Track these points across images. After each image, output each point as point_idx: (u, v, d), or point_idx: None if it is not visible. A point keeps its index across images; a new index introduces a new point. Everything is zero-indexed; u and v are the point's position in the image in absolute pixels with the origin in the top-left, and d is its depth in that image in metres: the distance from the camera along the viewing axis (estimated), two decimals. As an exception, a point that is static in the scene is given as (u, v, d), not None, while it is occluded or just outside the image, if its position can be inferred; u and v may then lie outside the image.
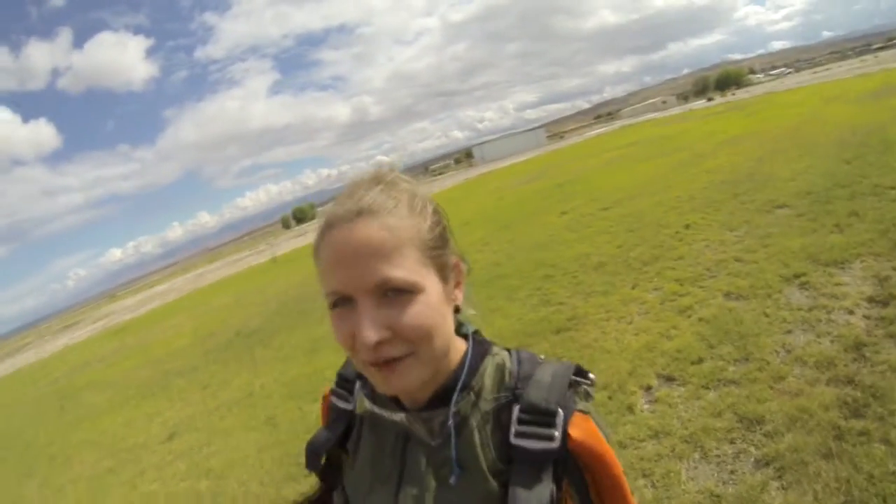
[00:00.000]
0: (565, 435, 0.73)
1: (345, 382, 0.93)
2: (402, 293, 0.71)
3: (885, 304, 3.67)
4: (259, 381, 7.17)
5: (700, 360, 3.66)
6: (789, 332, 3.69)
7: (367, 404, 0.87)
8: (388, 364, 0.71)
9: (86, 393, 11.88)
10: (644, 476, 2.72)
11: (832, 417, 2.65)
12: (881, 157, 7.61)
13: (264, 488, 4.12)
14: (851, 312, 3.70)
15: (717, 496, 2.41)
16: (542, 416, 0.74)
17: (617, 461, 0.76)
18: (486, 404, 0.79)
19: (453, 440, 0.77)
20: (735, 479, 2.49)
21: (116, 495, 5.28)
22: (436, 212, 0.80)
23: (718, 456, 2.68)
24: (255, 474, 4.39)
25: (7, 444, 9.93)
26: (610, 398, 3.59)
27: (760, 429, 2.76)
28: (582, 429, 0.74)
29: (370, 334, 0.68)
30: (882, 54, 72.25)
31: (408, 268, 0.71)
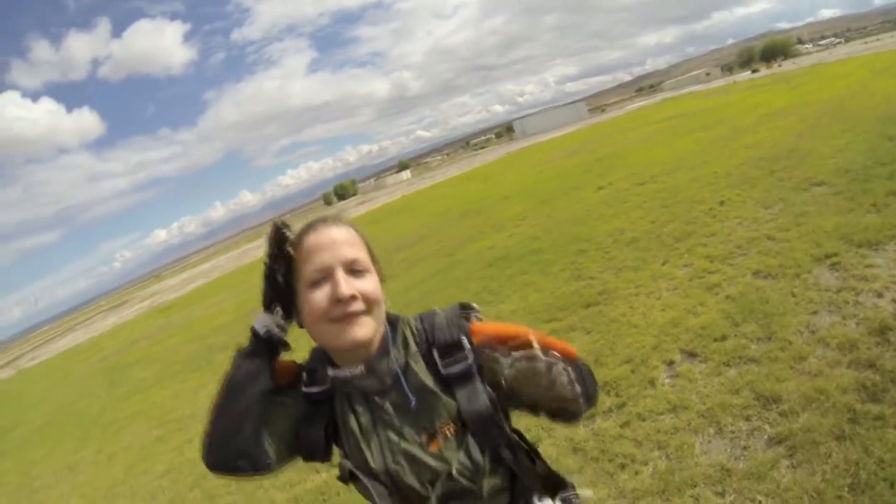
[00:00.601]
0: (472, 346, 1.08)
1: (313, 374, 1.14)
2: (362, 272, 1.08)
3: (916, 287, 3.60)
4: (301, 355, 7.38)
5: (723, 338, 3.68)
6: (815, 312, 3.64)
7: (331, 371, 1.11)
8: (350, 316, 1.03)
9: (135, 368, 12.44)
10: (659, 448, 2.80)
11: (849, 400, 2.63)
12: None
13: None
14: (880, 295, 3.60)
15: (728, 470, 2.48)
16: (452, 347, 1.09)
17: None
18: (414, 352, 1.12)
19: (401, 376, 1.09)
20: (747, 455, 2.54)
21: (165, 461, 5.64)
22: (364, 233, 1.16)
23: (733, 432, 2.74)
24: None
25: (63, 415, 10.54)
26: (633, 372, 3.67)
27: (776, 407, 2.79)
28: (477, 331, 1.11)
29: (346, 289, 1.02)
30: None
31: (364, 256, 1.10)
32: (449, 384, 1.08)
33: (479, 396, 1.06)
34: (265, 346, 1.08)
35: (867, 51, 39.50)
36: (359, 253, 1.09)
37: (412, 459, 1.06)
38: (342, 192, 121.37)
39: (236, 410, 1.03)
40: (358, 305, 1.04)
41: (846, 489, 2.16)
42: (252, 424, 1.04)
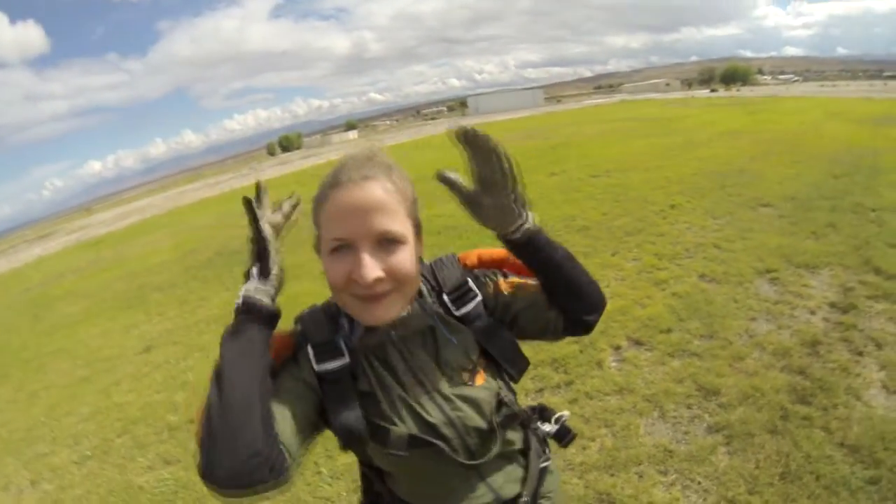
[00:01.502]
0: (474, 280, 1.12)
1: (325, 346, 1.01)
2: (394, 243, 0.94)
3: (844, 311, 3.98)
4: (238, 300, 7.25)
5: (669, 330, 3.97)
6: (754, 319, 4.01)
7: (361, 339, 1.04)
8: (376, 297, 0.93)
9: (60, 303, 11.88)
10: (606, 426, 2.99)
11: (781, 400, 2.97)
12: (868, 180, 7.87)
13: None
14: (813, 313, 4.03)
15: (670, 451, 2.69)
16: (460, 288, 1.09)
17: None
18: (432, 301, 1.09)
19: (438, 322, 1.06)
20: (688, 440, 2.76)
21: (90, 402, 5.40)
22: (411, 182, 1.03)
23: (675, 417, 2.96)
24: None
25: (-21, 350, 9.98)
26: (581, 352, 3.88)
27: (716, 399, 3.05)
28: (469, 258, 1.20)
29: (370, 272, 0.90)
30: (892, 83, 72.02)
31: (400, 223, 0.95)
32: (464, 323, 1.08)
33: (495, 327, 1.08)
34: (257, 320, 0.93)
35: (822, 93, 41.37)
36: (393, 221, 0.94)
37: (468, 400, 1.02)
38: (287, 143, 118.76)
39: (237, 401, 0.85)
40: (384, 286, 0.93)
41: (777, 477, 2.39)
42: (259, 416, 0.85)
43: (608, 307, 3.77)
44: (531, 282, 1.11)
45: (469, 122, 1.27)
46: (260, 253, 0.97)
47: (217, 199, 27.80)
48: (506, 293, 1.11)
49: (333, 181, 0.96)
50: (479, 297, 1.09)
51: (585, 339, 3.99)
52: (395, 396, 1.00)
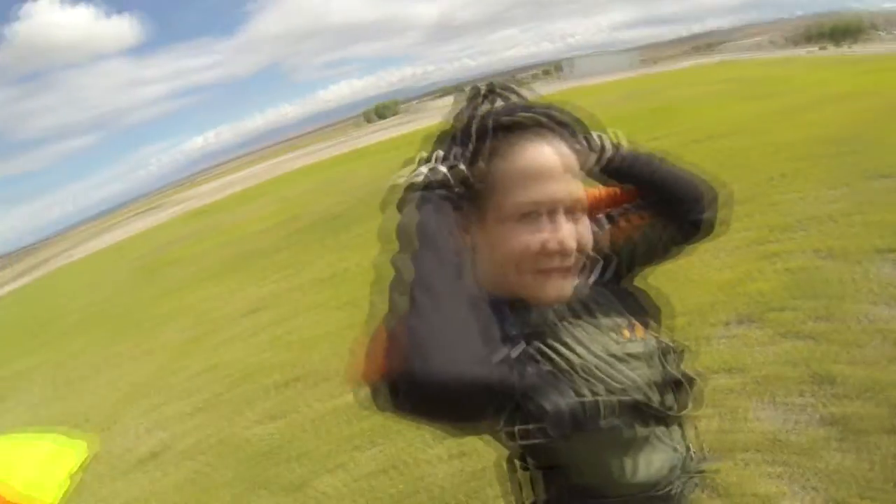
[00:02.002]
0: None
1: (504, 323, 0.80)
2: (580, 213, 0.85)
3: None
4: (342, 265, 7.57)
5: (781, 309, 3.63)
6: (874, 303, 3.55)
7: (534, 316, 0.85)
8: (566, 270, 0.83)
9: (170, 269, 12.75)
10: (713, 406, 2.84)
11: None
12: None
13: (345, 365, 4.48)
14: None
15: (780, 441, 2.50)
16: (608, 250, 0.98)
17: None
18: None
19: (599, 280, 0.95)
20: (798, 430, 2.56)
21: (200, 360, 5.83)
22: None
23: (786, 404, 2.75)
24: (337, 351, 4.71)
25: (98, 312, 10.92)
26: (689, 324, 3.68)
27: (830, 389, 2.78)
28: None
29: (573, 243, 0.80)
30: None
31: (582, 191, 0.85)
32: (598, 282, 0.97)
33: (623, 281, 1.02)
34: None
35: None
36: (580, 187, 0.86)
37: (640, 357, 0.90)
38: (384, 111, 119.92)
39: (454, 289, 0.67)
40: (572, 260, 0.84)
41: (893, 483, 2.18)
42: (476, 323, 0.65)
43: (718, 280, 3.57)
44: (633, 215, 1.04)
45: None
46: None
47: (315, 167, 28.73)
48: (621, 241, 1.01)
49: (518, 121, 0.83)
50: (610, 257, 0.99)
51: (694, 311, 3.82)
52: (578, 371, 0.83)
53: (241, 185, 36.81)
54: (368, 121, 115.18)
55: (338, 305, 5.92)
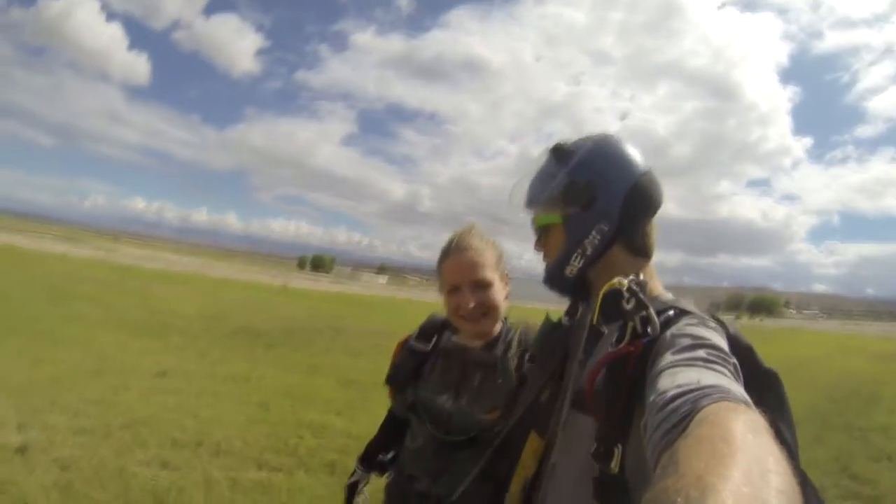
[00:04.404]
0: None
1: (426, 334, 1.71)
2: (485, 286, 1.56)
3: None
4: (259, 372, 7.71)
5: None
6: None
7: (454, 338, 1.67)
8: (476, 318, 1.55)
9: (80, 302, 12.23)
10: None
11: None
12: (864, 405, 8.59)
13: (247, 447, 4.66)
14: None
15: None
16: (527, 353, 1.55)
17: None
18: (514, 352, 1.58)
19: (503, 361, 1.56)
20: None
21: (97, 392, 5.71)
22: (498, 248, 1.64)
23: None
24: (241, 437, 4.87)
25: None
26: None
27: None
28: None
29: (471, 304, 1.53)
30: None
31: (488, 273, 1.56)
32: (522, 380, 1.50)
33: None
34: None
35: (842, 330, 44.81)
36: (484, 273, 1.55)
37: (467, 416, 1.52)
38: (319, 263, 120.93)
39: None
40: (479, 311, 1.54)
41: None
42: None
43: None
44: None
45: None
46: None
47: (243, 285, 28.58)
48: None
49: (448, 249, 1.61)
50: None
51: None
52: (435, 380, 1.61)
53: (166, 265, 35.94)
54: (301, 266, 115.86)
55: (247, 401, 6.06)
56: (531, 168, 1.28)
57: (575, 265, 1.15)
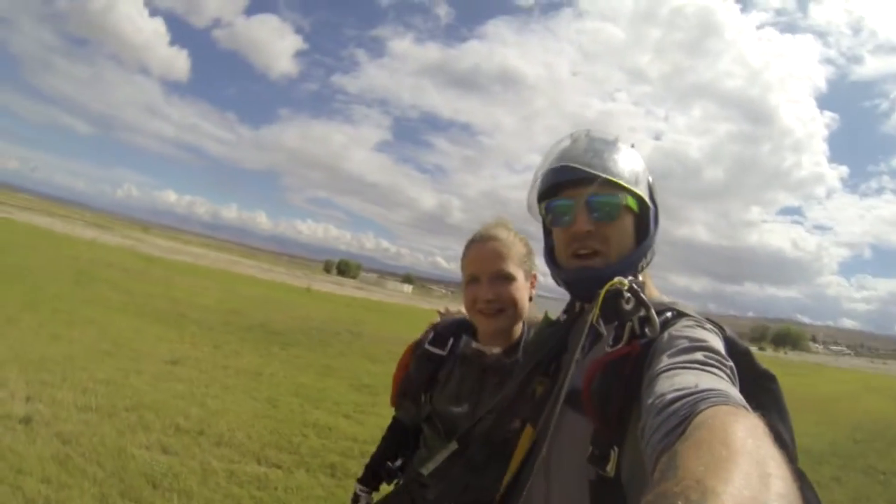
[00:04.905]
0: None
1: (440, 338, 1.56)
2: (506, 279, 1.45)
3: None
4: (271, 369, 7.68)
5: None
6: None
7: (474, 345, 1.52)
8: (492, 313, 1.44)
9: (103, 285, 12.49)
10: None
11: None
12: (888, 447, 8.26)
13: (250, 440, 4.62)
14: None
15: None
16: None
17: None
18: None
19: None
20: None
21: (107, 372, 5.77)
22: (527, 244, 1.53)
23: None
24: (244, 429, 4.85)
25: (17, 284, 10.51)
26: None
27: None
28: None
29: (488, 296, 1.43)
30: None
31: (510, 266, 1.46)
32: None
33: None
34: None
35: (869, 368, 43.80)
36: (505, 265, 1.45)
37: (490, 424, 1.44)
38: (345, 268, 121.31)
39: None
40: (496, 305, 1.43)
41: None
42: None
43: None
44: None
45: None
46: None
47: (266, 283, 28.85)
48: None
49: (472, 239, 1.53)
50: None
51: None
52: (450, 387, 1.50)
53: (192, 258, 36.47)
54: (326, 270, 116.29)
55: (256, 396, 6.03)
56: (586, 141, 1.11)
57: (644, 263, 1.08)
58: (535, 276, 1.56)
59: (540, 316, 1.57)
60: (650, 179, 1.11)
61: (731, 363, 0.80)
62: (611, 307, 0.92)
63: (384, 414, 1.58)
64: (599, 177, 1.02)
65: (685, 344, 0.83)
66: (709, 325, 0.92)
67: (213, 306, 13.30)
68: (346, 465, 4.30)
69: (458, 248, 1.57)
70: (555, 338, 1.18)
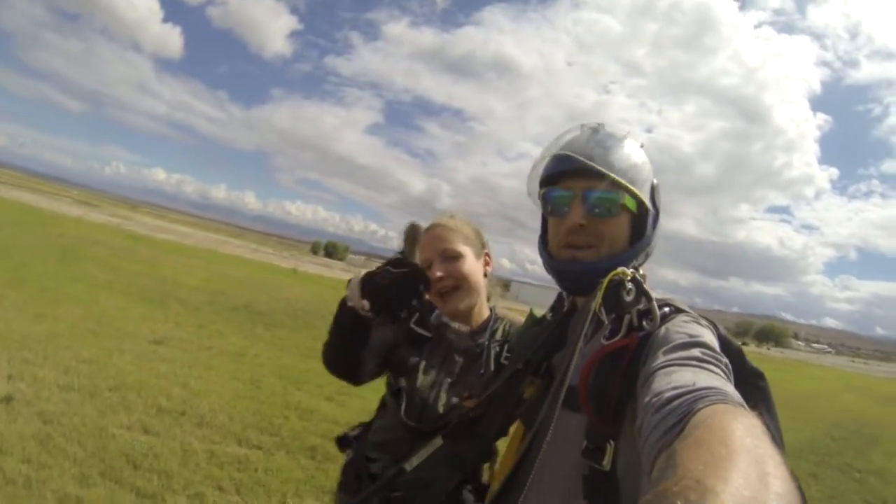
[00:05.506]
0: None
1: (424, 319, 1.58)
2: (454, 258, 1.55)
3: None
4: (255, 350, 7.72)
5: None
6: None
7: (444, 318, 1.59)
8: (448, 291, 1.53)
9: (89, 263, 12.41)
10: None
11: None
12: (864, 446, 8.46)
13: (231, 422, 4.64)
14: None
15: None
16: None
17: None
18: (497, 340, 1.54)
19: (487, 350, 1.53)
20: None
21: (90, 351, 5.75)
22: (475, 228, 1.65)
23: None
24: (226, 410, 4.87)
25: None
26: None
27: None
28: None
29: (438, 272, 1.51)
30: None
31: (458, 245, 1.56)
32: (499, 371, 1.42)
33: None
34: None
35: (849, 367, 44.66)
36: (451, 244, 1.56)
37: (449, 401, 1.50)
38: (332, 250, 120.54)
39: (342, 347, 1.46)
40: (449, 282, 1.53)
41: None
42: (355, 356, 1.46)
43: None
44: None
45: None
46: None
47: (253, 263, 28.74)
48: None
49: (430, 225, 1.61)
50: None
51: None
52: (425, 358, 1.55)
53: (178, 238, 36.21)
54: (314, 251, 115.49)
55: (238, 377, 6.05)
56: (596, 135, 1.10)
57: (636, 264, 1.05)
58: (488, 255, 1.67)
59: (512, 315, 1.65)
60: (654, 182, 1.11)
61: (726, 360, 0.81)
62: (612, 298, 0.92)
63: (366, 397, 1.59)
64: (599, 171, 1.02)
65: (682, 339, 0.84)
66: (704, 322, 0.93)
67: (198, 286, 13.25)
68: (327, 447, 4.32)
69: (443, 235, 1.65)
70: (543, 336, 1.18)
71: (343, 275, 41.86)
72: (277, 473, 3.85)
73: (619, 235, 1.06)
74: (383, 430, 1.55)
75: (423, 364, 1.54)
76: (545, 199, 1.11)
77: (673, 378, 0.73)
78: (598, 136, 1.09)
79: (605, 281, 0.92)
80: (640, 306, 0.91)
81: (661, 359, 0.80)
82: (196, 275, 15.60)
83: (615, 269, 0.94)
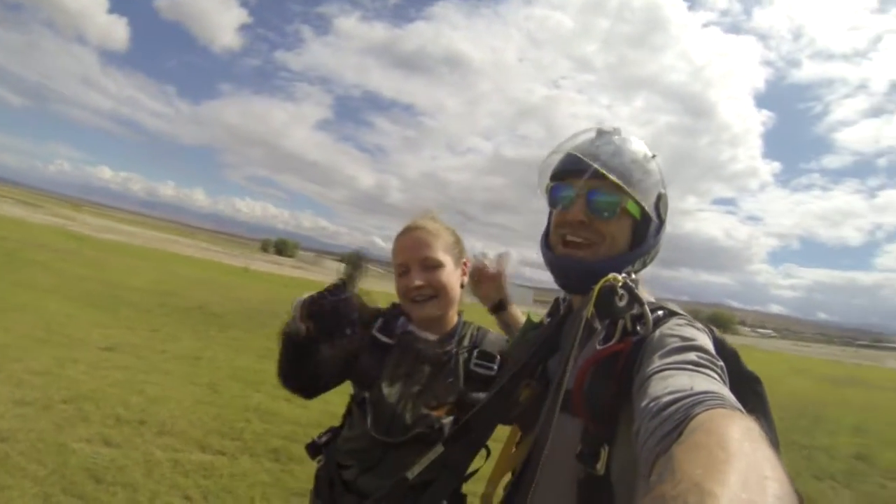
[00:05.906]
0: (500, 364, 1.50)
1: (388, 325, 1.55)
2: (433, 266, 1.50)
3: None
4: (210, 353, 7.63)
5: None
6: None
7: (410, 327, 1.55)
8: (424, 300, 1.50)
9: (34, 268, 12.02)
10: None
11: None
12: (810, 425, 8.85)
13: (192, 428, 4.62)
14: None
15: None
16: (488, 357, 1.51)
17: None
18: (465, 347, 1.55)
19: (455, 357, 1.52)
20: None
21: (42, 363, 5.58)
22: (454, 233, 1.61)
23: None
24: (186, 416, 4.83)
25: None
26: None
27: None
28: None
29: (418, 282, 1.48)
30: (864, 351, 75.62)
31: (438, 253, 1.51)
32: (469, 378, 1.49)
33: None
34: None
35: (793, 351, 46.74)
36: (433, 252, 1.50)
37: (417, 411, 1.44)
38: (282, 247, 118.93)
39: (295, 363, 1.47)
40: (427, 291, 1.49)
41: None
42: (306, 373, 1.47)
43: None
44: None
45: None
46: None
47: (204, 263, 28.17)
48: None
49: (403, 230, 1.56)
50: (493, 372, 1.49)
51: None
52: (389, 366, 1.50)
53: (126, 238, 35.17)
54: (264, 249, 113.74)
55: (196, 381, 6.00)
56: (606, 138, 1.14)
57: (632, 269, 1.09)
58: (465, 264, 1.63)
59: (479, 322, 1.67)
60: (662, 192, 1.14)
61: (721, 363, 0.82)
62: (604, 303, 0.94)
63: (327, 399, 1.60)
64: (602, 173, 1.05)
65: (677, 343, 0.85)
66: (699, 325, 0.96)
67: (148, 288, 12.98)
68: (290, 449, 4.36)
69: (396, 228, 1.61)
70: (540, 340, 1.20)
71: (294, 272, 41.43)
72: (243, 478, 3.87)
73: (620, 237, 1.09)
74: (352, 440, 1.52)
75: (387, 373, 1.50)
76: (551, 193, 1.16)
77: (669, 382, 0.74)
78: (610, 140, 1.13)
79: (597, 287, 0.95)
80: (633, 311, 0.93)
81: (656, 363, 0.81)
82: (145, 276, 15.26)
83: (611, 270, 0.97)
